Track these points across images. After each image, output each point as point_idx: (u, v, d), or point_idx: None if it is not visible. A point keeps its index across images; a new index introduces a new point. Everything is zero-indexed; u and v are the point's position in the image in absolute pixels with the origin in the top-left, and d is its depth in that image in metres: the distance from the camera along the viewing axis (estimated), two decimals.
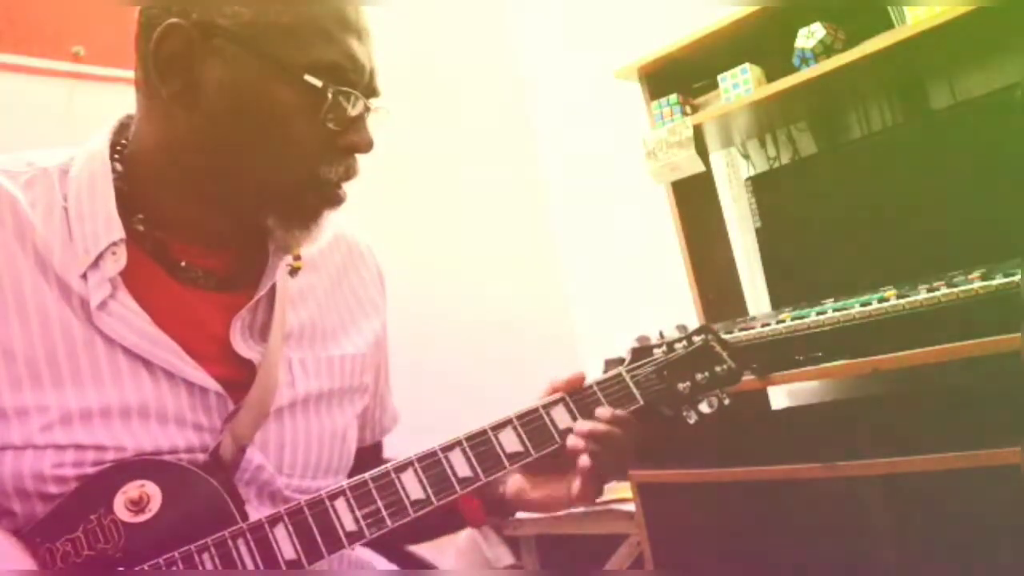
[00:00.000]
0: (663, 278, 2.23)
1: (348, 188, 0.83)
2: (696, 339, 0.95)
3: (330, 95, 0.76)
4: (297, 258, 0.87)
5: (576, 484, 0.84)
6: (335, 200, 0.82)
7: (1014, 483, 1.29)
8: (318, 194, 0.80)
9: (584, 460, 0.82)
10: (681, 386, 0.91)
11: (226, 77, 0.75)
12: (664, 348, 0.94)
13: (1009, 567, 1.46)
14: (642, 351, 0.93)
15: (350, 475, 0.88)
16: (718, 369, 0.93)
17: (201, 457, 0.77)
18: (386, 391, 1.04)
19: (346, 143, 0.79)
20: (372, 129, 0.83)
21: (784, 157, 2.10)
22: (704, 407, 0.91)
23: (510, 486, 0.92)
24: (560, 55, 2.64)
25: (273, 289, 0.85)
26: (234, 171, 0.78)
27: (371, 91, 0.81)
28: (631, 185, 2.31)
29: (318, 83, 0.75)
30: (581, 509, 1.72)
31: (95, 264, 0.75)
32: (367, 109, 0.80)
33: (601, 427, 0.85)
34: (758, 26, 1.83)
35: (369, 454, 1.00)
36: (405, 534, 1.02)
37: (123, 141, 0.84)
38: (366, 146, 0.81)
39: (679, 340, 0.95)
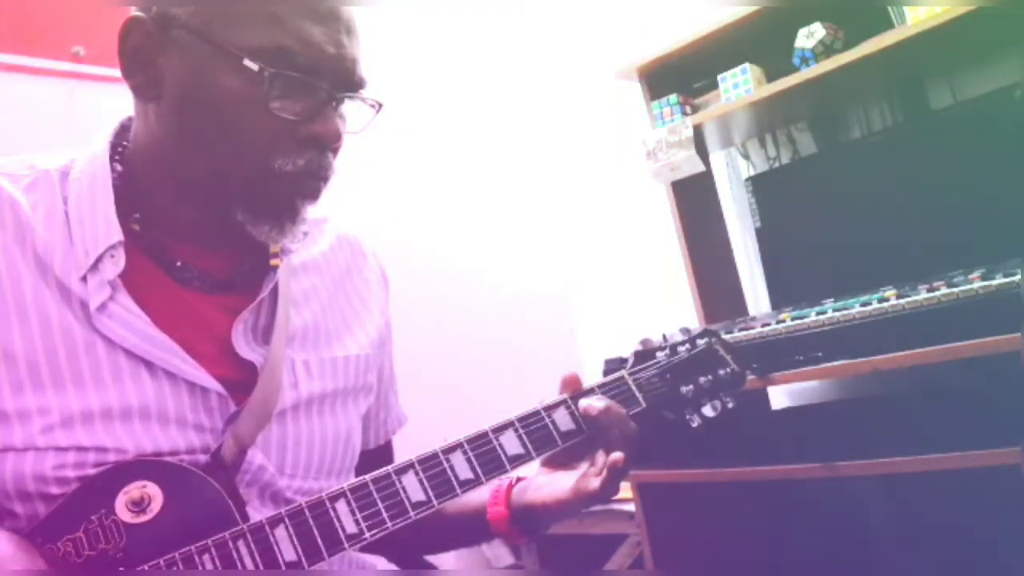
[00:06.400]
0: (663, 278, 2.23)
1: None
2: (700, 342, 0.95)
3: (267, 78, 0.73)
4: (275, 255, 0.85)
5: (598, 479, 0.81)
6: (302, 194, 0.79)
7: (1014, 483, 1.29)
8: (278, 187, 0.77)
9: (616, 455, 0.80)
10: (684, 389, 0.91)
11: (181, 67, 0.76)
12: (667, 351, 0.93)
13: (1009, 567, 1.46)
14: (645, 354, 0.93)
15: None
16: (722, 372, 0.93)
17: (202, 458, 0.77)
18: (391, 392, 1.04)
19: (307, 134, 0.76)
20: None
21: (784, 157, 2.10)
22: (708, 411, 0.91)
23: (535, 492, 0.88)
24: (560, 55, 2.64)
25: (275, 291, 0.84)
26: (197, 163, 0.78)
27: (345, 81, 0.78)
28: (631, 185, 2.31)
29: (255, 67, 0.73)
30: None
31: (94, 267, 0.75)
32: (332, 99, 0.78)
33: (616, 405, 0.84)
34: (758, 26, 1.83)
35: (378, 457, 0.98)
36: (429, 542, 1.01)
37: (124, 142, 0.84)
38: (331, 138, 0.78)
39: (682, 343, 0.94)
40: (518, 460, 0.83)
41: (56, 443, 0.72)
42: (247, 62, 0.73)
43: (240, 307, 0.82)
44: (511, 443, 0.82)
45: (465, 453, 0.80)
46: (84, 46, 1.74)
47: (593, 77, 2.44)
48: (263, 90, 0.74)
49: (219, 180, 0.78)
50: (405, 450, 0.82)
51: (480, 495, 0.91)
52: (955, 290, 1.38)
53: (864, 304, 1.48)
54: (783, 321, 1.58)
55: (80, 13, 1.74)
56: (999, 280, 1.35)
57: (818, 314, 1.54)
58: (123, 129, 0.85)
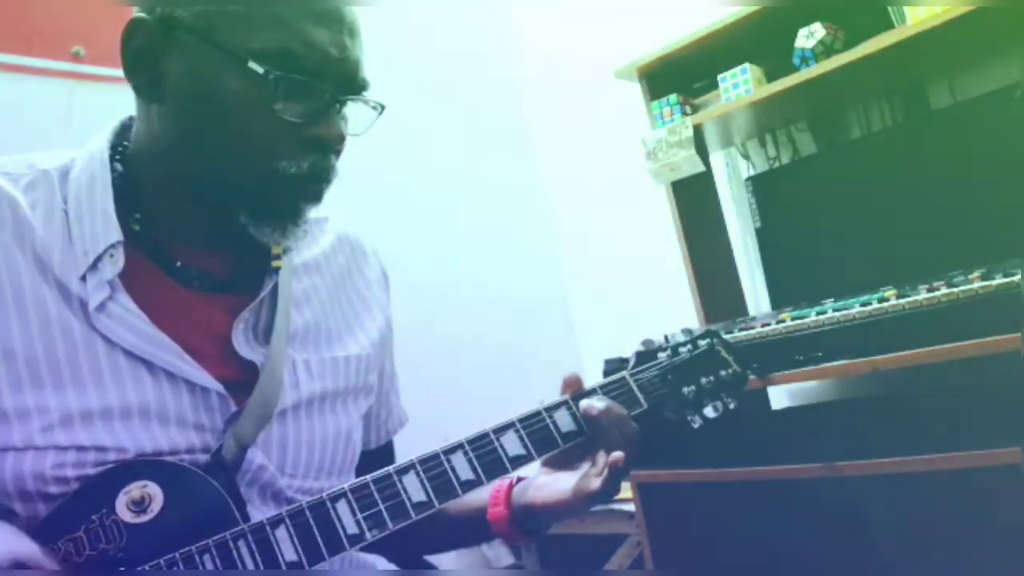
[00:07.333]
0: (663, 278, 2.23)
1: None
2: (701, 343, 0.95)
3: (271, 81, 0.73)
4: (276, 257, 0.85)
5: (599, 479, 0.81)
6: (306, 197, 0.79)
7: (1014, 483, 1.29)
8: (283, 190, 0.78)
9: (616, 454, 0.80)
10: (686, 390, 0.91)
11: (185, 69, 0.76)
12: (669, 352, 0.93)
13: (1009, 567, 1.46)
14: (647, 355, 0.93)
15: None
16: (723, 373, 0.93)
17: (203, 458, 0.77)
18: (392, 392, 1.04)
19: (311, 136, 0.77)
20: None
21: (784, 157, 2.10)
22: (709, 411, 0.91)
23: (535, 492, 0.88)
24: (560, 55, 2.64)
25: (276, 291, 0.84)
26: (200, 165, 0.78)
27: (349, 84, 0.79)
28: (631, 185, 2.31)
29: (260, 69, 0.73)
30: None
31: (94, 266, 0.76)
32: (336, 101, 0.78)
33: (616, 405, 0.84)
34: (758, 26, 1.83)
35: (379, 457, 0.98)
36: (430, 542, 1.01)
37: (125, 142, 0.84)
38: (334, 140, 0.78)
39: (684, 344, 0.94)
40: (519, 461, 0.83)
41: (56, 442, 0.72)
42: (251, 65, 0.73)
43: (240, 307, 0.82)
44: (512, 444, 0.83)
45: (466, 454, 0.80)
46: (84, 46, 1.74)
47: (593, 77, 2.44)
48: (267, 93, 0.74)
49: (222, 182, 0.78)
50: (406, 450, 0.82)
51: (480, 495, 0.91)
52: (955, 290, 1.38)
53: (864, 304, 1.48)
54: (783, 321, 1.58)
55: (80, 13, 1.74)
56: (999, 280, 1.34)
57: (818, 314, 1.54)
58: (124, 129, 0.85)
